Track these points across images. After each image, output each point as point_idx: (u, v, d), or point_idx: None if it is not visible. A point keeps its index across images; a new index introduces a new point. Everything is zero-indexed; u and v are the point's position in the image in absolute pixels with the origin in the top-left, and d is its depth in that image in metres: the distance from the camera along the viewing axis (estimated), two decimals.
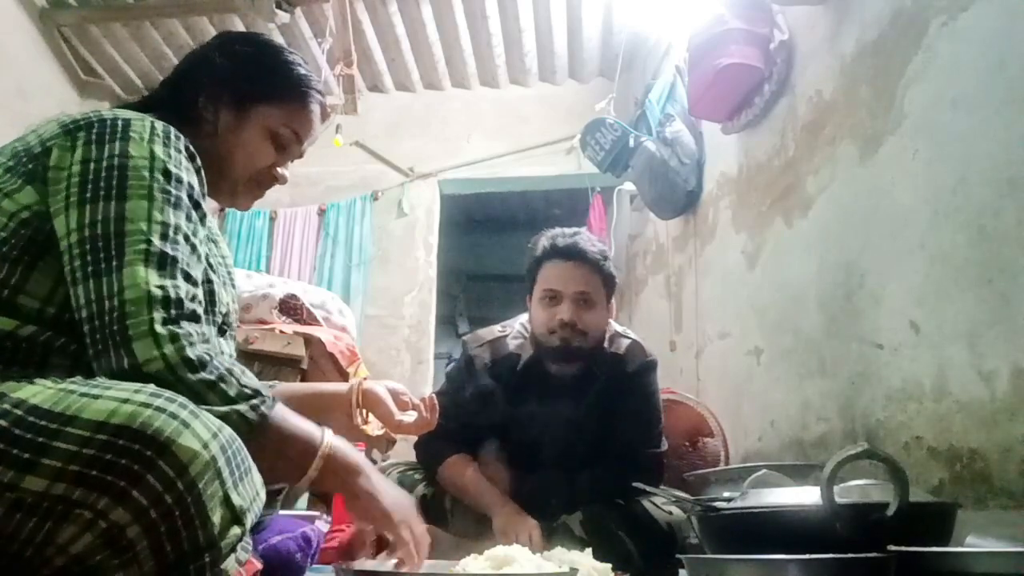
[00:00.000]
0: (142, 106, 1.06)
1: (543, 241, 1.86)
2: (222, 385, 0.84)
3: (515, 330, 1.93)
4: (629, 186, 3.56)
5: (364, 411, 1.32)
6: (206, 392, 0.82)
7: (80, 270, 0.84)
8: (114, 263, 0.83)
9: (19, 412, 0.69)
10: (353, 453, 0.99)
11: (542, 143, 4.28)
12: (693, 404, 2.48)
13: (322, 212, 4.32)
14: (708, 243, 2.87)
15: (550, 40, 4.11)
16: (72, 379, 0.76)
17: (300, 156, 1.19)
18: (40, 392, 0.71)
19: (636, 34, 3.76)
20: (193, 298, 0.89)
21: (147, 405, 0.70)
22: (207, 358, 0.84)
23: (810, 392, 1.94)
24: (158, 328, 0.82)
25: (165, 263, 0.86)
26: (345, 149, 4.05)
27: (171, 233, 0.88)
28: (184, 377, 0.81)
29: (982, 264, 1.32)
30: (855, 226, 1.76)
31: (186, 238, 0.91)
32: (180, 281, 0.87)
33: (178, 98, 1.09)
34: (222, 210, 4.20)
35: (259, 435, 0.83)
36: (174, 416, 0.70)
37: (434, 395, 1.39)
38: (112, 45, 4.03)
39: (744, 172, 2.53)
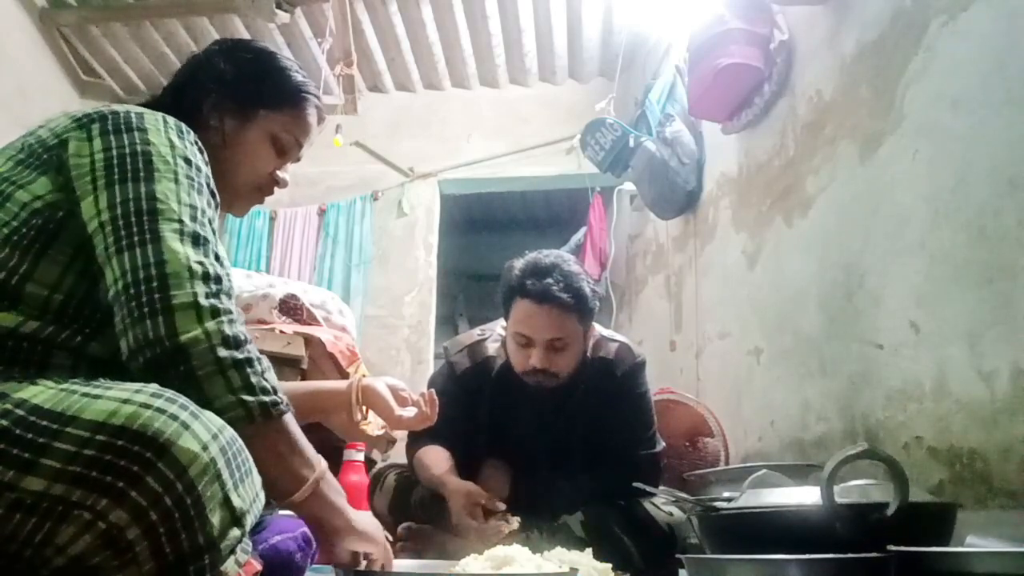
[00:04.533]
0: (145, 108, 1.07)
1: (516, 271, 1.75)
2: (247, 368, 0.84)
3: (495, 333, 1.91)
4: (629, 186, 3.56)
5: (364, 408, 1.32)
6: (230, 368, 0.82)
7: (114, 245, 0.85)
8: (148, 236, 0.85)
9: (20, 412, 0.69)
10: (341, 497, 0.98)
11: (542, 143, 4.28)
12: (693, 404, 2.48)
13: (322, 212, 4.32)
14: (708, 243, 2.87)
15: (550, 40, 4.11)
16: (74, 379, 0.76)
17: (298, 160, 1.20)
18: (41, 392, 0.71)
19: (636, 34, 3.76)
20: (227, 276, 0.91)
21: (147, 406, 0.70)
22: (243, 338, 0.85)
23: (810, 392, 1.94)
24: (202, 300, 0.83)
25: (199, 242, 0.88)
26: (345, 149, 4.05)
27: (199, 216, 0.90)
28: (217, 349, 0.82)
29: (982, 264, 1.32)
30: (855, 226, 1.76)
31: (210, 222, 0.93)
32: (213, 260, 0.88)
33: (182, 103, 1.10)
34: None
35: (264, 433, 0.83)
36: (174, 417, 0.70)
37: (433, 391, 1.39)
38: (112, 45, 4.03)
39: (744, 172, 2.53)
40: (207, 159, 0.99)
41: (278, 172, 1.17)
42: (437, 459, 1.79)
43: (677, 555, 1.11)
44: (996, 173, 1.30)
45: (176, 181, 0.90)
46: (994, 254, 1.29)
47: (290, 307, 2.62)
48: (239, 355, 0.83)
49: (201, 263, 0.86)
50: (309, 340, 2.45)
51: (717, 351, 2.69)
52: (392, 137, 4.46)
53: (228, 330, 0.83)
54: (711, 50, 2.27)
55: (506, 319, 1.81)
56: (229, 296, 0.88)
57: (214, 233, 0.93)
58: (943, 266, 1.43)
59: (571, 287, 1.69)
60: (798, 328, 2.03)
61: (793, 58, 2.19)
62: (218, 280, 0.86)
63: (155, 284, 0.82)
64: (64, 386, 0.73)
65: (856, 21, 1.82)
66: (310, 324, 2.63)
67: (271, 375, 0.89)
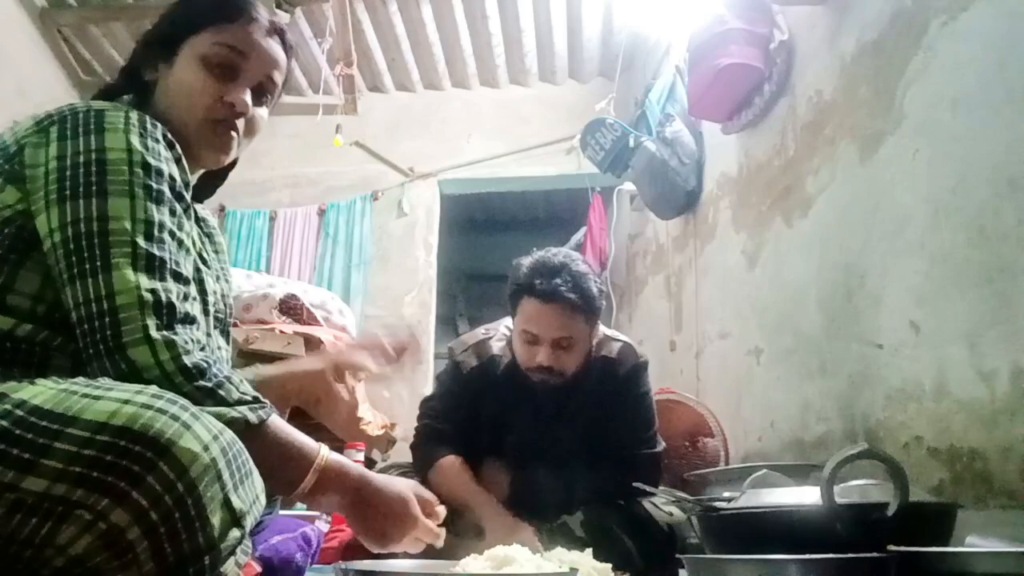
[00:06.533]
0: (104, 95, 1.04)
1: (525, 270, 1.76)
2: (220, 392, 0.83)
3: (499, 332, 1.92)
4: (629, 186, 3.56)
5: (347, 384, 1.27)
6: (204, 399, 0.81)
7: (66, 271, 0.83)
8: (99, 264, 0.82)
9: (20, 413, 0.69)
10: (351, 471, 0.95)
11: (542, 143, 4.28)
12: (693, 404, 2.48)
13: (322, 212, 4.32)
14: (708, 243, 2.87)
15: (550, 40, 4.11)
16: (74, 380, 0.75)
17: (259, 81, 1.07)
18: (42, 392, 0.71)
19: (636, 34, 3.76)
20: (185, 298, 0.88)
21: (148, 407, 0.70)
22: (205, 365, 0.83)
23: (810, 392, 1.94)
24: (153, 334, 0.81)
25: (153, 265, 0.85)
26: (345, 149, 4.05)
27: (156, 232, 0.87)
28: (181, 385, 0.80)
29: (982, 264, 1.32)
30: (855, 226, 1.76)
31: (171, 234, 0.89)
32: (170, 283, 0.86)
33: (131, 76, 1.06)
34: (222, 209, 4.21)
35: (254, 441, 0.82)
36: (175, 418, 0.70)
37: (412, 333, 1.35)
38: (112, 45, 4.03)
39: (744, 172, 2.53)
40: (178, 153, 0.94)
41: (233, 96, 1.04)
42: (461, 476, 1.78)
43: (677, 555, 1.11)
44: (996, 173, 1.30)
45: (131, 195, 0.86)
46: (994, 254, 1.29)
47: (290, 307, 2.62)
48: (207, 383, 0.82)
49: (153, 291, 0.83)
50: (309, 340, 2.45)
51: (717, 351, 2.69)
52: (392, 137, 4.46)
53: (187, 362, 0.82)
54: (711, 50, 2.27)
55: (513, 317, 1.82)
56: (187, 320, 0.86)
57: (180, 244, 0.90)
58: (943, 266, 1.43)
59: (579, 287, 1.71)
60: (798, 328, 2.03)
61: (793, 58, 2.19)
62: (171, 308, 0.84)
63: (107, 319, 0.80)
64: (64, 386, 0.72)
65: (856, 21, 1.82)
66: (310, 324, 2.63)
67: (245, 385, 0.87)
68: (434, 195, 4.42)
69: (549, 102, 4.43)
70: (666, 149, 2.94)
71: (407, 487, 1.01)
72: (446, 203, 4.52)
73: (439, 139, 4.47)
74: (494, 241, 6.25)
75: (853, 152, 1.79)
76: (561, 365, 1.76)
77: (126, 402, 0.70)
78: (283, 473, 0.88)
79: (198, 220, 1.17)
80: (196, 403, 0.78)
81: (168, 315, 0.83)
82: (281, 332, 2.42)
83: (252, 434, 0.82)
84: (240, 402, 0.84)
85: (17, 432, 0.67)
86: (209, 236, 1.16)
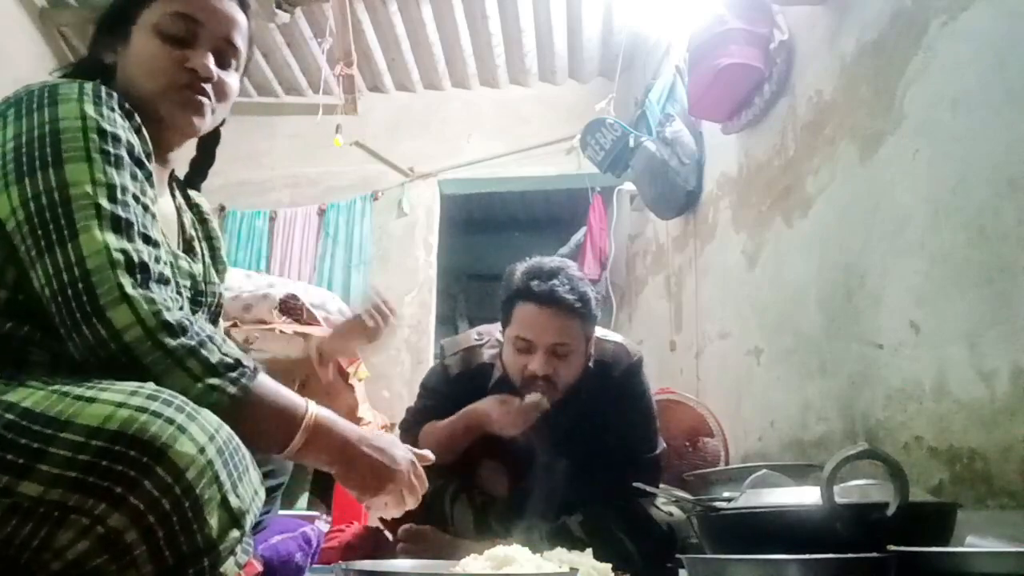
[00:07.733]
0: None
1: (519, 276, 1.72)
2: (203, 351, 0.80)
3: (493, 339, 1.88)
4: (629, 186, 3.56)
5: (330, 366, 1.26)
6: (187, 358, 0.79)
7: (34, 247, 0.80)
8: (66, 232, 0.80)
9: (11, 416, 0.69)
10: (340, 426, 0.92)
11: (542, 143, 4.28)
12: (693, 404, 2.48)
13: (322, 212, 4.32)
14: (708, 243, 2.87)
15: (550, 40, 4.11)
16: (64, 380, 0.74)
17: (215, 47, 1.04)
18: (31, 395, 0.71)
19: (636, 34, 3.76)
20: (157, 259, 0.85)
21: (143, 409, 0.69)
22: (187, 323, 0.81)
23: (810, 392, 1.94)
24: (130, 291, 0.78)
25: (120, 226, 0.82)
26: (345, 149, 4.06)
27: (119, 194, 0.84)
28: (164, 342, 0.78)
29: (982, 264, 1.32)
30: (855, 226, 1.76)
31: (136, 199, 0.86)
32: (140, 244, 0.83)
33: (91, 62, 1.06)
34: (222, 209, 4.21)
35: (241, 408, 0.80)
36: (170, 421, 0.69)
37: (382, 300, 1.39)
38: None
39: (744, 172, 2.53)
40: (137, 123, 0.93)
41: (194, 62, 1.01)
42: (434, 424, 1.81)
43: (677, 555, 1.11)
44: (996, 173, 1.30)
45: (88, 160, 0.83)
46: (994, 254, 1.29)
47: (290, 307, 2.62)
48: (190, 341, 0.80)
49: (124, 251, 0.80)
50: (309, 340, 2.45)
51: (717, 351, 2.69)
52: (392, 137, 4.46)
53: (169, 317, 0.79)
54: (711, 50, 2.27)
55: (504, 325, 1.77)
56: (163, 281, 0.84)
57: (145, 208, 0.88)
58: (943, 266, 1.43)
59: (577, 290, 1.67)
60: (798, 328, 2.03)
61: (793, 58, 2.19)
62: (144, 268, 0.81)
63: (80, 286, 0.78)
64: (55, 387, 0.72)
65: (856, 21, 1.82)
66: (310, 324, 2.63)
67: (228, 345, 0.85)
68: (434, 195, 4.42)
69: (549, 102, 4.43)
70: (666, 149, 2.94)
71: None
72: (446, 203, 4.52)
73: (439, 139, 4.47)
74: (494, 241, 6.25)
75: (853, 152, 1.79)
76: (556, 375, 1.68)
77: (120, 405, 0.69)
78: (272, 435, 0.86)
79: (191, 206, 1.16)
80: (179, 361, 0.77)
81: (142, 273, 0.81)
82: (281, 332, 2.42)
83: (238, 403, 0.81)
84: (222, 364, 0.81)
85: (10, 436, 0.67)
86: (204, 222, 1.15)
